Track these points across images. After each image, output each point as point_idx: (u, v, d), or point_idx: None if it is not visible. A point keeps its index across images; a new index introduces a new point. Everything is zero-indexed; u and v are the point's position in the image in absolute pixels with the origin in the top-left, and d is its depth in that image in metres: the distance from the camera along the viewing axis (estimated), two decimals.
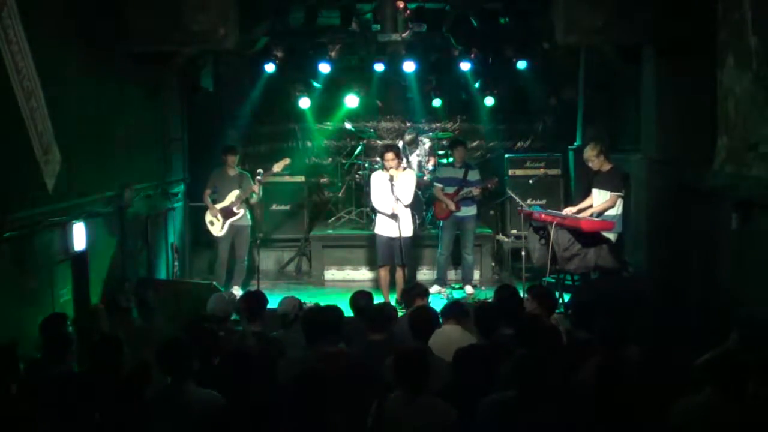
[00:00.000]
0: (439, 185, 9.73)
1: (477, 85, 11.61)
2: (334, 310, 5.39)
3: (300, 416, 4.10)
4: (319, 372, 4.23)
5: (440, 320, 5.84)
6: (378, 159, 11.18)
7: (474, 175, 9.66)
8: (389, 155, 8.57)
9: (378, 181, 8.76)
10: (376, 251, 9.00)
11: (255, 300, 6.13)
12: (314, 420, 4.08)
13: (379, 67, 11.30)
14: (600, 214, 8.39)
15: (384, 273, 8.88)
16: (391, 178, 8.50)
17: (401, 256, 8.53)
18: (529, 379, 4.22)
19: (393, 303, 8.34)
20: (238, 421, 4.18)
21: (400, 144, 11.32)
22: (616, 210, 8.45)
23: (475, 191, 9.48)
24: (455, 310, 5.93)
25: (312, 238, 10.94)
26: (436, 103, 12.24)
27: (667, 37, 7.42)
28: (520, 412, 4.16)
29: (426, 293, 6.58)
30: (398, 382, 4.35)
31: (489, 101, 11.80)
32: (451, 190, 9.58)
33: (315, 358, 4.92)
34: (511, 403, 4.22)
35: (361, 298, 6.36)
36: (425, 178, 10.95)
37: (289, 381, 4.29)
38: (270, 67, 10.79)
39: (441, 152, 11.43)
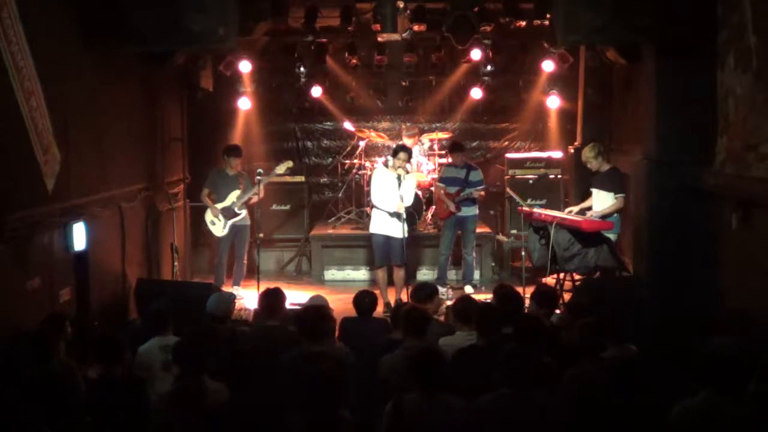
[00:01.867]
0: (442, 185, 9.73)
1: (476, 84, 11.57)
2: (317, 310, 5.44)
3: (312, 412, 4.12)
4: (329, 371, 4.25)
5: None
6: (377, 159, 11.20)
7: (476, 176, 9.64)
8: (403, 155, 8.55)
9: (382, 179, 8.72)
10: (373, 251, 8.97)
11: (274, 297, 6.16)
12: (325, 416, 4.11)
13: (379, 67, 11.28)
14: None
15: (382, 273, 8.86)
16: (399, 177, 8.49)
17: (402, 255, 8.52)
18: (517, 373, 4.24)
19: (390, 304, 8.37)
20: (244, 415, 4.21)
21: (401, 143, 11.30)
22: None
23: (475, 193, 9.48)
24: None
25: (312, 238, 10.94)
26: (437, 102, 12.20)
27: (668, 37, 7.42)
28: (515, 407, 4.18)
29: (436, 293, 6.50)
30: (418, 382, 4.34)
31: (489, 101, 11.78)
32: (452, 190, 9.58)
33: (311, 356, 4.95)
34: (507, 399, 4.23)
35: (365, 298, 6.35)
36: (426, 178, 10.94)
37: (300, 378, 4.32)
38: (269, 68, 10.75)
39: (441, 152, 11.42)
